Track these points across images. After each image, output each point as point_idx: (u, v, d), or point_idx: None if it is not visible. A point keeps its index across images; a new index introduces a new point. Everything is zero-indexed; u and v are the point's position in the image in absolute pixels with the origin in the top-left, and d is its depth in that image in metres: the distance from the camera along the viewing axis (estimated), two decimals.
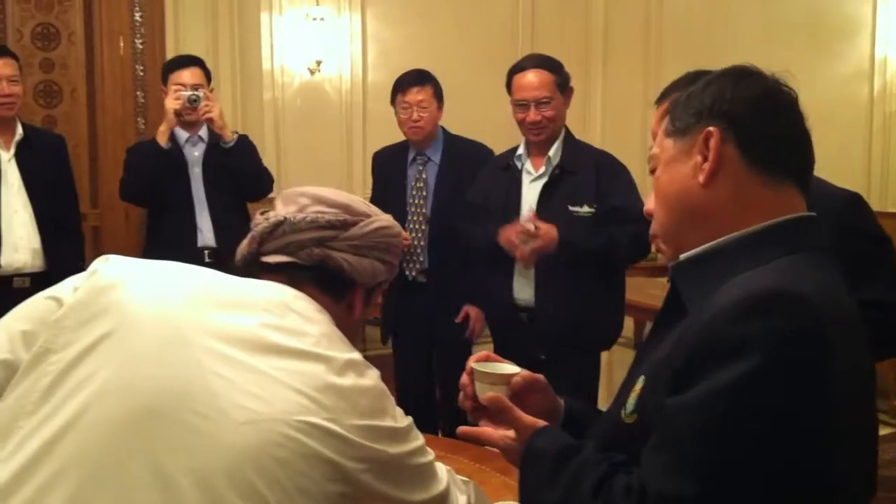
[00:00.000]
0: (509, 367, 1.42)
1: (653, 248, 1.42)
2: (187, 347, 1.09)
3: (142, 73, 6.29)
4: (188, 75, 3.35)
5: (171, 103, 3.30)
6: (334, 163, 6.66)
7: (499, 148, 3.41)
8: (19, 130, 3.28)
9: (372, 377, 1.19)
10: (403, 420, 1.21)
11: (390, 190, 3.50)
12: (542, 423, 1.29)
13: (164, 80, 3.42)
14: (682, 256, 1.20)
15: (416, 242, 3.47)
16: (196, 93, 3.31)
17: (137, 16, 6.28)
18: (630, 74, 7.16)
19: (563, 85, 3.07)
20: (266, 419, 1.05)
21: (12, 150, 3.24)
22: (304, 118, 6.55)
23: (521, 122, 3.05)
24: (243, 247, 1.39)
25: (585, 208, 2.88)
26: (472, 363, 1.40)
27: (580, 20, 7.24)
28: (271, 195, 3.69)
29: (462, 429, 1.39)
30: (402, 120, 3.43)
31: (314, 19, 6.39)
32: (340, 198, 1.36)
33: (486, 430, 1.34)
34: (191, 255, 3.33)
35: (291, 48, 6.45)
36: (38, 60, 5.85)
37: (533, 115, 2.99)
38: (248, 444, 1.03)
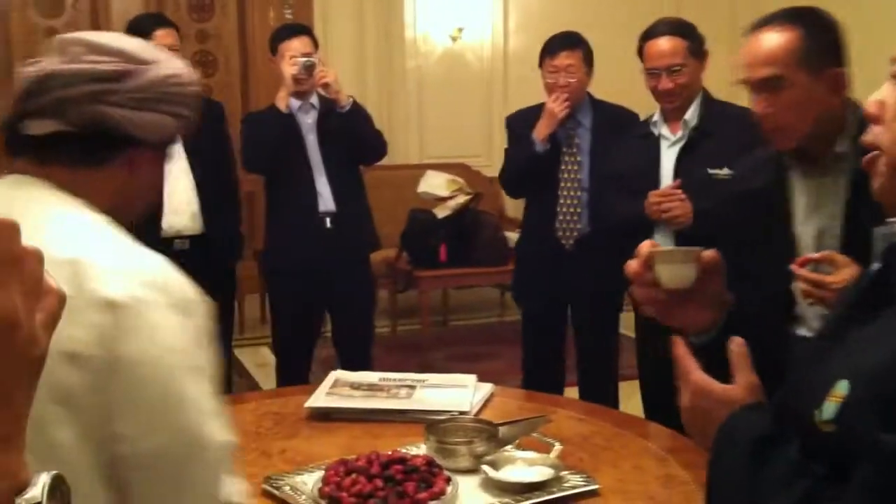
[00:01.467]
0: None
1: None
2: None
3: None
4: (298, 44, 3.40)
5: (289, 69, 3.36)
6: (475, 129, 6.70)
7: (643, 115, 3.35)
8: None
9: None
10: None
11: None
12: (736, 389, 1.10)
13: (273, 50, 3.47)
14: None
15: (571, 210, 3.39)
16: (311, 59, 3.36)
17: None
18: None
19: (696, 50, 2.97)
20: None
21: None
22: (445, 85, 6.60)
23: (653, 90, 2.98)
24: (6, 110, 1.17)
25: (726, 170, 2.76)
26: (645, 248, 1.25)
27: None
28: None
29: (678, 347, 1.17)
30: (549, 85, 3.34)
31: None
32: (120, 43, 1.16)
33: (691, 362, 1.14)
34: (312, 220, 3.44)
35: (434, 16, 6.50)
36: (193, 32, 6.12)
37: (665, 82, 2.92)
38: None
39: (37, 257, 0.58)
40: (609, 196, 3.15)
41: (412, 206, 5.30)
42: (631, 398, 3.40)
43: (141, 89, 1.14)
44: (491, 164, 6.70)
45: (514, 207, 6.65)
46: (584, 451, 1.92)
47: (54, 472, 0.60)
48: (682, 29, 2.99)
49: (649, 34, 3.00)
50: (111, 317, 0.99)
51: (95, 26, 6.03)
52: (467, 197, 5.20)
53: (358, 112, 3.49)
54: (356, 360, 3.51)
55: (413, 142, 6.56)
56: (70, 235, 1.05)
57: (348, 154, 3.51)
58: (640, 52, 3.00)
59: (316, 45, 3.50)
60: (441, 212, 5.13)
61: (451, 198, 5.15)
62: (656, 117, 3.06)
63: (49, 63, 1.13)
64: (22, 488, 0.58)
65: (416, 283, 5.12)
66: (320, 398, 2.19)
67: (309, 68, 3.34)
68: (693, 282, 1.24)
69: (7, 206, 1.02)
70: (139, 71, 1.14)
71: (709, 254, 1.24)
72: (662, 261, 1.24)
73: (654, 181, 2.97)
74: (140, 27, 3.41)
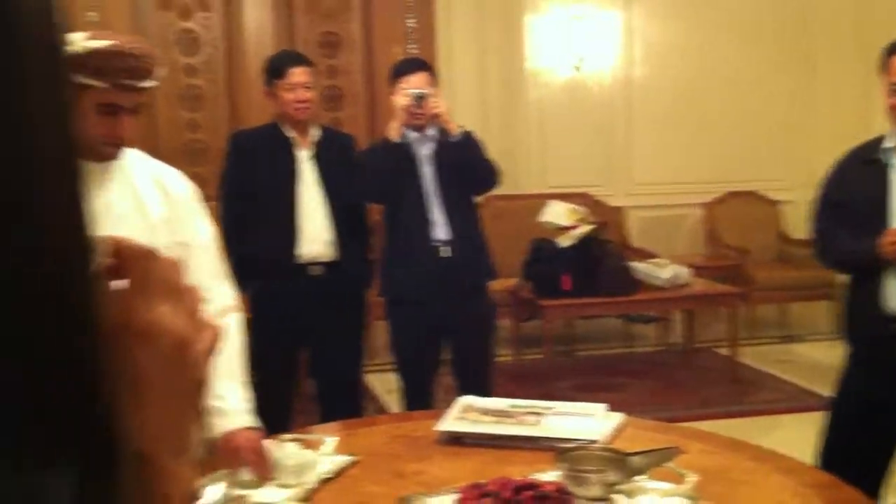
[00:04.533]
0: None
1: None
2: None
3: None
4: (414, 78, 3.47)
5: (400, 101, 3.44)
6: (597, 158, 6.68)
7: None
8: (316, 131, 3.57)
9: None
10: None
11: None
12: None
13: (393, 83, 3.55)
14: None
15: None
16: (422, 90, 3.42)
17: (411, 23, 6.62)
18: None
19: None
20: None
21: (310, 150, 3.53)
22: (567, 115, 6.61)
23: (893, 108, 2.66)
24: None
25: None
26: None
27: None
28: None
29: None
30: None
31: (578, 18, 6.44)
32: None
33: None
34: (426, 248, 3.49)
35: (555, 47, 6.53)
36: (324, 67, 6.32)
37: None
38: None
39: (197, 294, 0.63)
40: (830, 227, 2.86)
41: (534, 236, 5.31)
42: (770, 433, 3.30)
43: None
44: (613, 193, 6.67)
45: (638, 237, 6.59)
46: (721, 484, 1.87)
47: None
48: None
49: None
50: None
51: (231, 64, 6.32)
52: (591, 226, 5.17)
53: (469, 142, 3.53)
54: (475, 387, 3.53)
55: (535, 171, 6.58)
56: None
57: (461, 183, 3.56)
58: (884, 66, 2.69)
59: (433, 78, 3.56)
60: (564, 241, 5.11)
61: (573, 227, 5.13)
62: (890, 142, 2.75)
63: None
64: (194, 497, 0.63)
65: (541, 312, 5.11)
66: (451, 422, 2.21)
67: (419, 100, 3.41)
68: None
69: None
70: None
71: None
72: None
73: (884, 214, 2.68)
74: (277, 63, 3.56)
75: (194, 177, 6.07)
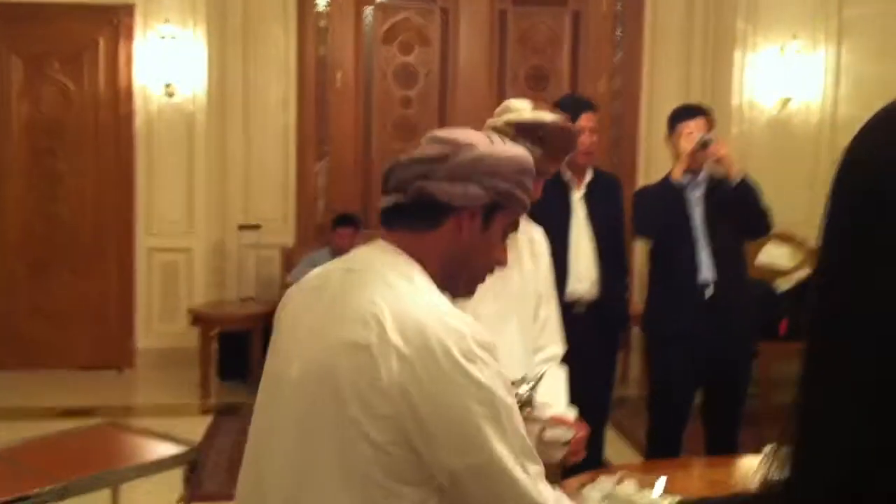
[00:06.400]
0: None
1: None
2: None
3: (620, 111, 6.73)
4: (694, 123, 3.56)
5: (686, 145, 3.52)
6: (801, 197, 6.61)
7: None
8: (589, 173, 3.71)
9: None
10: None
11: None
12: None
13: (671, 129, 3.64)
14: None
15: None
16: (709, 136, 3.50)
17: (617, 57, 6.73)
18: None
19: None
20: None
21: (583, 190, 3.68)
22: (770, 152, 6.57)
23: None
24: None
25: None
26: None
27: None
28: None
29: None
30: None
31: (788, 54, 6.40)
32: (452, 134, 1.47)
33: None
34: (691, 288, 3.56)
35: (762, 83, 6.51)
36: (531, 98, 6.49)
37: None
38: None
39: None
40: None
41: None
42: None
43: (455, 167, 1.41)
44: (814, 232, 6.57)
45: None
46: None
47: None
48: None
49: None
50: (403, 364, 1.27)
51: (443, 95, 6.56)
52: (811, 269, 5.14)
53: (748, 186, 3.57)
54: (725, 432, 3.61)
55: None
56: (393, 294, 1.33)
57: (733, 227, 3.61)
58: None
59: (712, 123, 3.65)
60: (783, 284, 5.10)
61: (794, 270, 5.11)
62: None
63: (406, 153, 1.48)
64: None
65: (757, 356, 5.10)
66: None
67: (705, 145, 3.50)
68: None
69: (369, 261, 1.42)
70: (457, 153, 1.42)
71: None
72: None
73: None
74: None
75: None
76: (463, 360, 1.27)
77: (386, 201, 1.46)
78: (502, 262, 1.54)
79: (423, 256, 1.42)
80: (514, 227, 1.55)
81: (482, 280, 1.53)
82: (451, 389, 1.27)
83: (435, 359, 1.26)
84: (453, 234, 1.43)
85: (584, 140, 3.59)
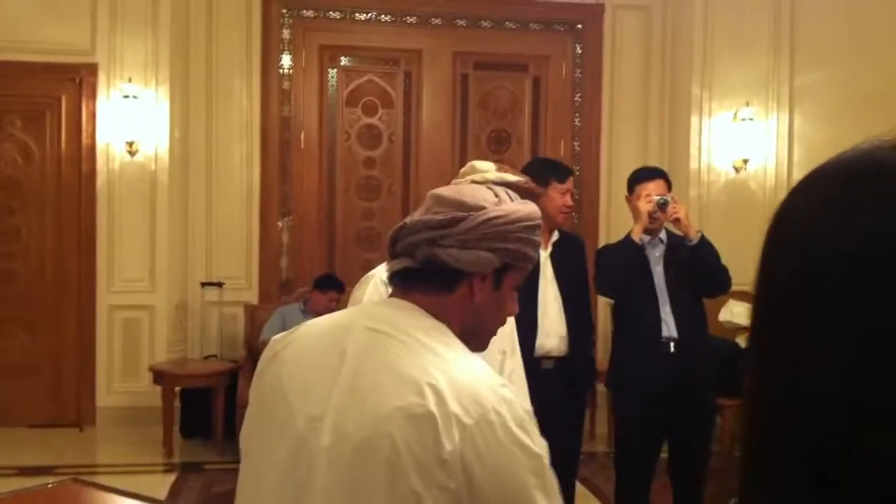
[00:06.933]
0: None
1: None
2: None
3: (578, 173, 6.85)
4: (653, 185, 3.67)
5: (644, 206, 3.62)
6: (758, 254, 6.73)
7: None
8: (556, 233, 3.78)
9: None
10: None
11: None
12: None
13: (630, 190, 3.75)
14: None
15: None
16: (665, 197, 3.61)
17: (577, 121, 6.88)
18: None
19: None
20: None
21: (549, 249, 3.73)
22: (727, 215, 6.71)
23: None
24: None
25: None
26: None
27: None
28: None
29: None
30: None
31: (742, 120, 6.60)
32: (458, 195, 1.44)
33: None
34: (655, 344, 3.63)
35: (718, 148, 6.68)
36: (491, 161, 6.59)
37: None
38: None
39: None
40: None
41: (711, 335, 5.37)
42: None
43: (465, 232, 1.40)
44: None
45: None
46: None
47: None
48: None
49: None
50: (464, 434, 1.25)
51: (406, 156, 6.63)
52: None
53: (705, 246, 3.67)
54: (690, 485, 3.64)
55: None
56: (440, 360, 1.31)
57: (692, 285, 3.69)
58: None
59: (669, 186, 3.75)
60: (745, 341, 5.17)
61: None
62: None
63: (411, 216, 1.46)
64: None
65: (720, 411, 5.16)
66: None
67: (663, 206, 3.60)
68: None
69: (397, 322, 1.38)
70: (466, 218, 1.40)
71: None
72: None
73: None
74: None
75: (367, 263, 6.37)
76: (517, 430, 1.26)
77: (395, 265, 1.45)
78: (513, 312, 1.53)
79: (445, 318, 1.42)
80: (525, 279, 1.55)
81: (494, 333, 1.53)
82: (509, 460, 1.25)
83: (493, 429, 1.24)
84: (466, 297, 1.44)
85: (568, 201, 3.72)
